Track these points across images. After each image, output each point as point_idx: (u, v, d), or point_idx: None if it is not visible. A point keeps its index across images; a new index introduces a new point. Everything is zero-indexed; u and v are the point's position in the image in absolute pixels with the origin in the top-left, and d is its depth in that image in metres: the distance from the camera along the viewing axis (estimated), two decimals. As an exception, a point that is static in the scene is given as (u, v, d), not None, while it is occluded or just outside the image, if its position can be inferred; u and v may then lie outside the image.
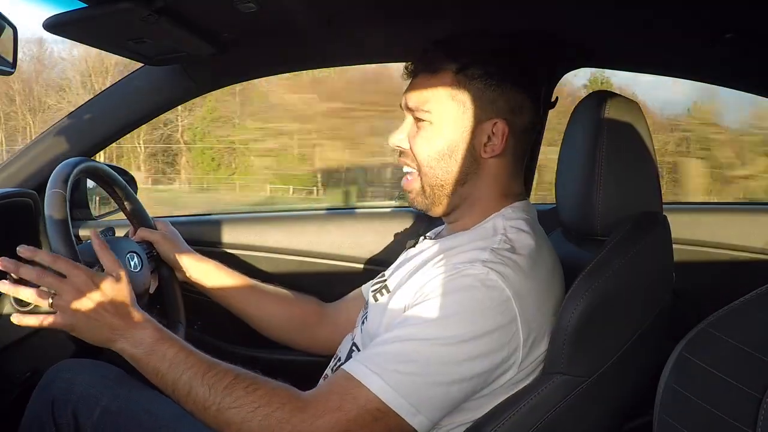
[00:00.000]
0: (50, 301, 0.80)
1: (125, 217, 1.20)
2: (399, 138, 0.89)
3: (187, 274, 1.17)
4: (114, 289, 0.84)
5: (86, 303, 0.81)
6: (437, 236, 0.97)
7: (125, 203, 1.17)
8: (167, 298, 1.18)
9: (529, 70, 0.87)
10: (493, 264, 0.75)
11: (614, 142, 0.84)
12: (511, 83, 0.83)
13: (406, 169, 0.90)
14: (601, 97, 0.87)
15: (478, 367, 0.73)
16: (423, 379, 0.71)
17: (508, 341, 0.74)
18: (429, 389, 0.71)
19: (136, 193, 1.20)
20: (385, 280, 0.93)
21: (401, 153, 0.90)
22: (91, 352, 1.12)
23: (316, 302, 1.18)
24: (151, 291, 1.13)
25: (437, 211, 0.90)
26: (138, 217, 1.18)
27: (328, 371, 0.98)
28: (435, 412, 0.73)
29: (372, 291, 0.93)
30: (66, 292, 0.80)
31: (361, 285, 1.14)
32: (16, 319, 0.82)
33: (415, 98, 0.87)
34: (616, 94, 0.88)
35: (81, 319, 0.81)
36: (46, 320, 0.81)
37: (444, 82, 0.84)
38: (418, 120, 0.87)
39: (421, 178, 0.88)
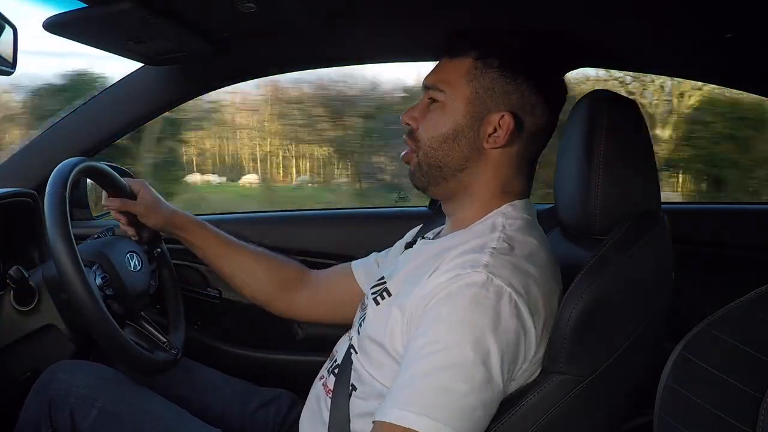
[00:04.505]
0: None
1: None
2: (411, 116, 0.90)
3: (169, 231, 1.15)
4: None
5: None
6: (436, 236, 0.96)
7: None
8: (168, 299, 1.19)
9: (547, 71, 0.87)
10: (495, 268, 0.74)
11: (613, 141, 0.83)
12: (526, 79, 0.84)
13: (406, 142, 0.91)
14: (599, 96, 0.87)
15: (511, 373, 0.74)
16: (467, 403, 0.71)
17: (525, 345, 0.74)
18: (475, 411, 0.71)
19: None
20: (385, 283, 0.92)
21: (409, 132, 0.91)
22: (89, 354, 1.12)
23: (298, 266, 1.17)
24: (152, 291, 1.13)
25: (434, 192, 0.91)
26: (115, 189, 1.10)
27: (323, 371, 0.98)
28: (482, 429, 0.74)
29: (372, 294, 0.93)
30: None
31: None
32: None
33: (432, 79, 0.88)
34: (615, 93, 0.88)
35: None
36: None
37: (462, 67, 0.85)
38: (432, 101, 0.88)
39: (420, 157, 0.88)
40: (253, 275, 1.14)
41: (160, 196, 1.14)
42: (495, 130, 0.84)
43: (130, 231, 1.13)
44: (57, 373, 0.95)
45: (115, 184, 1.14)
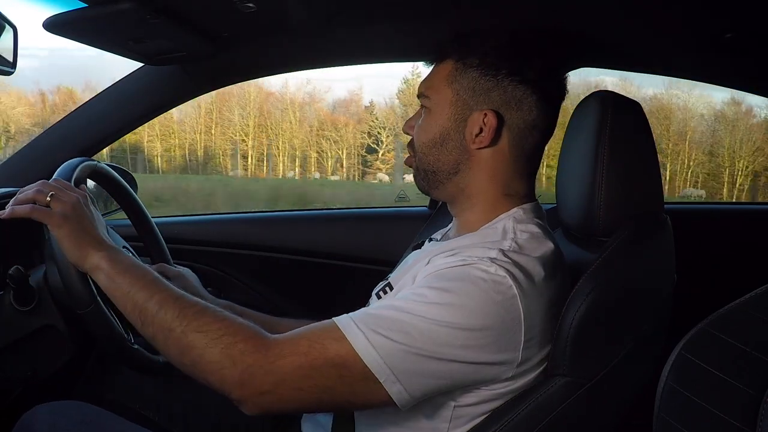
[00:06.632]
0: (48, 199, 0.83)
1: (125, 217, 1.20)
2: (409, 125, 0.92)
3: None
4: (98, 215, 0.90)
5: (78, 210, 0.84)
6: (443, 237, 0.96)
7: (126, 203, 1.17)
8: None
9: (530, 64, 0.84)
10: (502, 262, 0.74)
11: (615, 142, 0.83)
12: (508, 75, 0.82)
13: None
14: (602, 97, 0.87)
15: (471, 355, 0.71)
16: (410, 350, 0.69)
17: (507, 339, 0.73)
18: (414, 362, 0.70)
19: (136, 193, 1.20)
20: (388, 279, 0.93)
21: (409, 141, 0.92)
22: (87, 355, 1.11)
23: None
24: None
25: (435, 195, 0.92)
26: (155, 250, 1.19)
27: None
28: (415, 387, 0.71)
29: (375, 291, 0.93)
30: (63, 195, 0.84)
31: (362, 285, 1.14)
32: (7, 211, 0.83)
33: (422, 86, 0.89)
34: (618, 94, 0.88)
35: (71, 220, 0.82)
36: (39, 211, 0.82)
37: (444, 70, 0.86)
38: (422, 107, 0.89)
39: (417, 163, 0.90)
40: None
41: (200, 282, 1.17)
42: (480, 130, 0.83)
43: None
44: (38, 416, 0.91)
45: (115, 184, 1.14)
